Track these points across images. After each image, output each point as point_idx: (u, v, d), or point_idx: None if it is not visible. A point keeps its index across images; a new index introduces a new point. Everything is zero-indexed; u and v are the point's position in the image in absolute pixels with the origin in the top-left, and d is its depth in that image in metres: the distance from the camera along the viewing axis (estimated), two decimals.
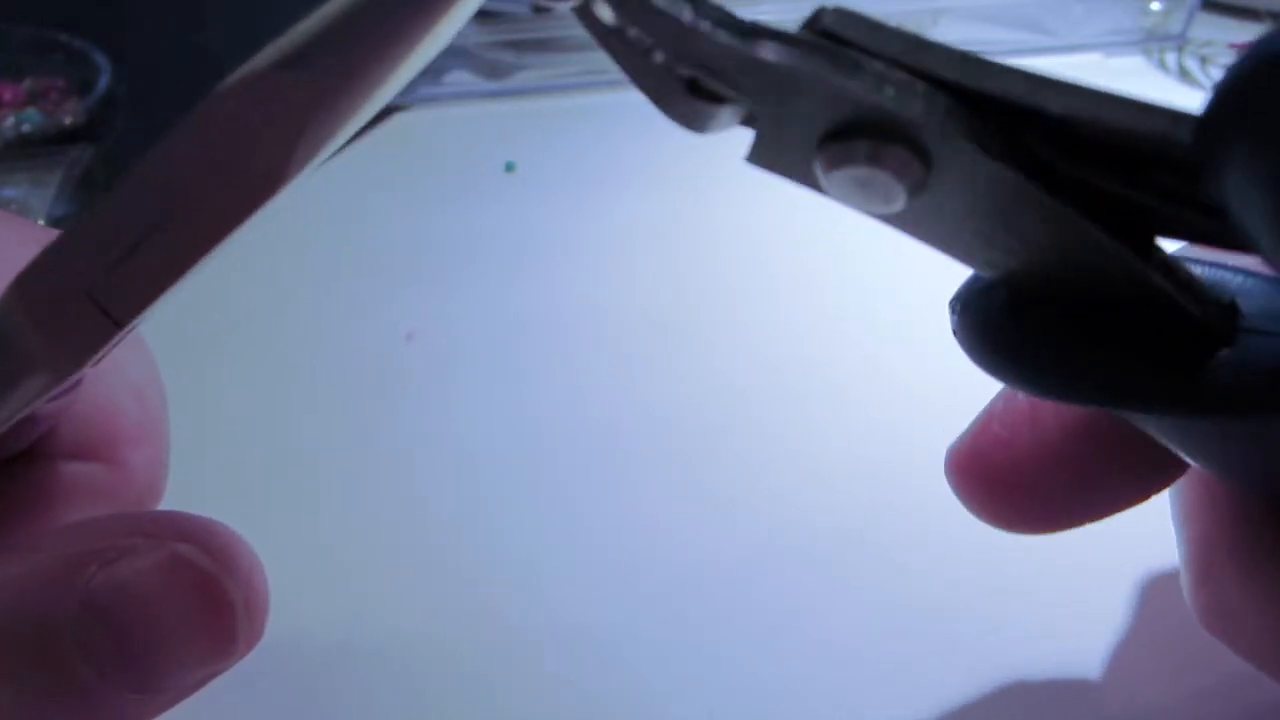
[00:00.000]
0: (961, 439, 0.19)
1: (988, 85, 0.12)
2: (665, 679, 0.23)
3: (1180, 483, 0.19)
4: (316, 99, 0.11)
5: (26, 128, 0.44)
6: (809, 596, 0.24)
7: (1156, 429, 0.15)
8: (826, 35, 0.12)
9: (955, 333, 0.16)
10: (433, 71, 0.49)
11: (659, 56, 0.12)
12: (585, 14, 0.12)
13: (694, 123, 0.13)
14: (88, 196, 0.42)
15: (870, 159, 0.12)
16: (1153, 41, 0.48)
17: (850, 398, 0.30)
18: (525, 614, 0.24)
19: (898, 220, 0.14)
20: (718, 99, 0.13)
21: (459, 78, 0.49)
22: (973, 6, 0.48)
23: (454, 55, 0.49)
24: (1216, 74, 0.45)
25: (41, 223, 0.40)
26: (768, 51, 0.12)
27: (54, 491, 0.17)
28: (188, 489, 0.28)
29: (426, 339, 0.33)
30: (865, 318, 0.33)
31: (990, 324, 0.15)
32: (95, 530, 0.15)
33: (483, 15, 0.51)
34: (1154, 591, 0.24)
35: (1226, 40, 0.47)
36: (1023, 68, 0.13)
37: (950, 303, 0.16)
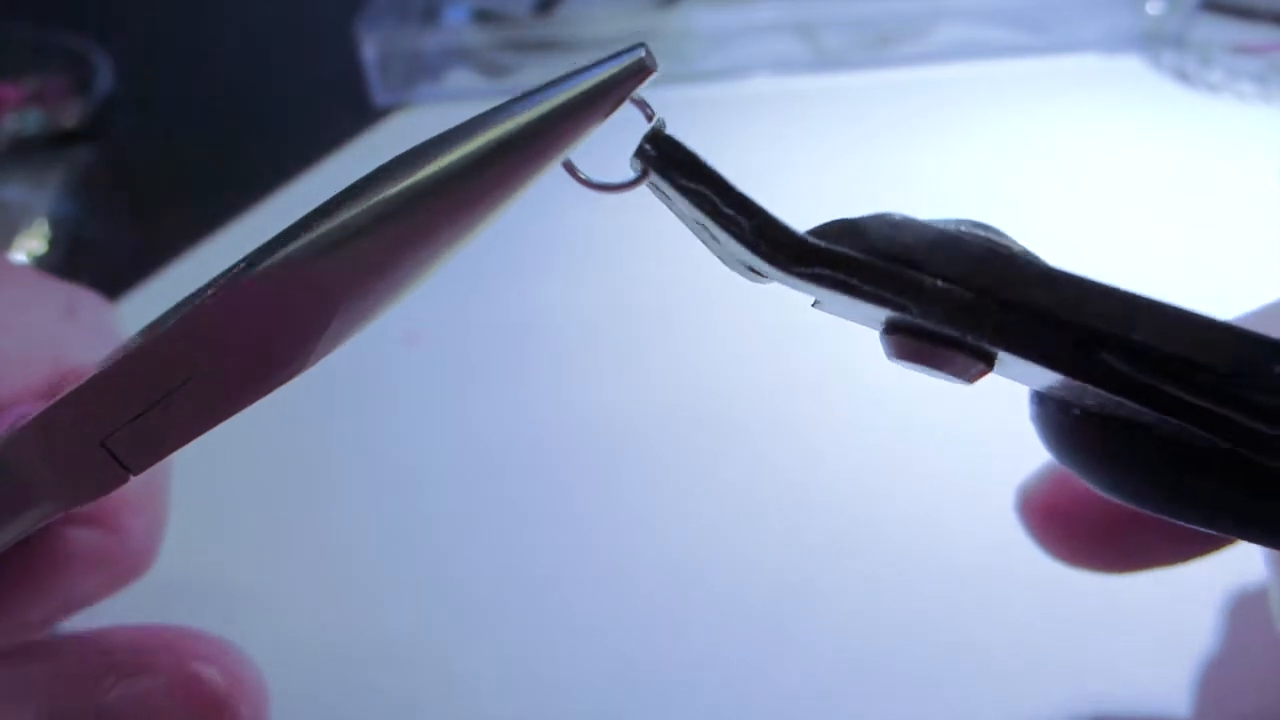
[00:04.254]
0: (1036, 482, 0.19)
1: (1061, 310, 0.12)
2: (665, 678, 0.23)
3: None
4: (345, 290, 0.12)
5: (27, 128, 0.44)
6: (807, 598, 0.24)
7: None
8: (883, 253, 0.13)
9: (1032, 420, 0.15)
10: (433, 71, 0.49)
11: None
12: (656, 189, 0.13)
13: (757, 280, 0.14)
14: (88, 196, 0.42)
15: (931, 362, 0.13)
16: (1151, 42, 0.48)
17: (853, 398, 0.30)
18: (525, 615, 0.24)
19: None
20: None
21: (459, 78, 0.49)
22: (971, 7, 0.48)
23: (454, 55, 0.49)
24: (1216, 75, 0.45)
25: (43, 221, 0.40)
26: (820, 280, 0.13)
27: (56, 556, 0.17)
28: (187, 492, 0.28)
29: (427, 341, 0.33)
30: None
31: (1066, 434, 0.15)
32: (115, 641, 0.16)
33: (482, 15, 0.51)
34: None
35: (1226, 41, 0.47)
36: (1105, 282, 0.12)
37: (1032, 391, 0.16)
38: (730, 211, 0.13)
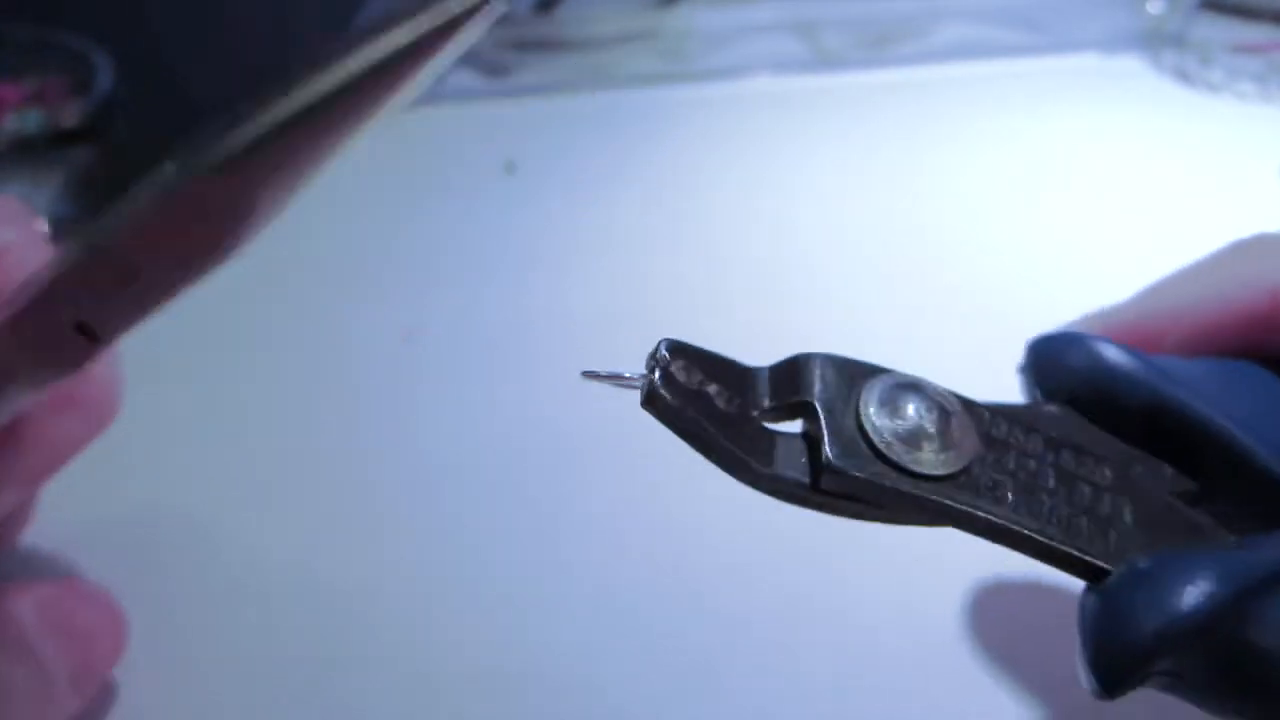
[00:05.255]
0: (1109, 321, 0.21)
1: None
2: (672, 680, 0.23)
3: None
4: (263, 185, 0.14)
5: (27, 128, 0.44)
6: (818, 597, 0.24)
7: None
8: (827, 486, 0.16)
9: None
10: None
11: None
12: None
13: None
14: (88, 196, 0.42)
15: None
16: (1151, 42, 0.48)
17: None
18: (529, 609, 0.24)
19: None
20: None
21: (459, 77, 0.49)
22: (971, 7, 0.49)
23: None
24: (1216, 75, 0.45)
25: (43, 220, 0.40)
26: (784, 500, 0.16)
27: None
28: (188, 486, 0.28)
29: (424, 339, 0.33)
30: (870, 312, 0.33)
31: None
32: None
33: None
34: None
35: (1226, 41, 0.47)
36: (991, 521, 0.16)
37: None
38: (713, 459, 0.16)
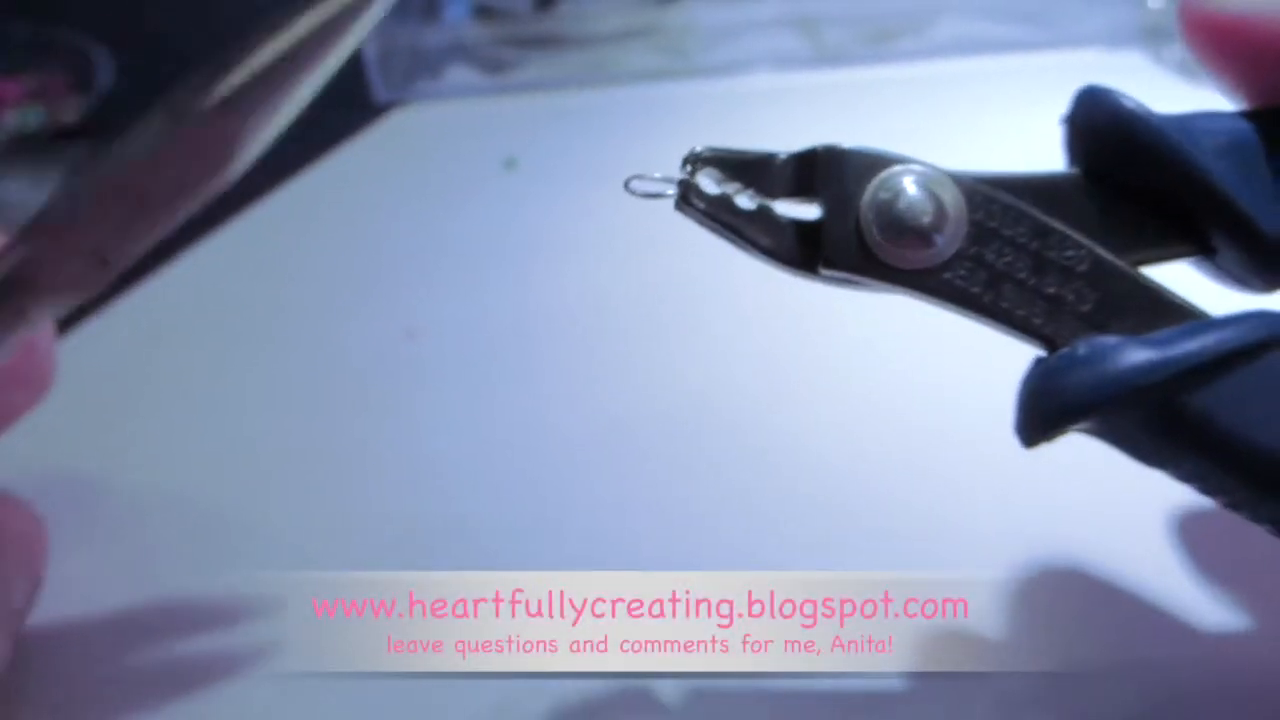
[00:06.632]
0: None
1: None
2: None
3: None
4: (251, 120, 0.17)
5: (28, 124, 0.44)
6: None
7: None
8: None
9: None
10: (433, 68, 0.49)
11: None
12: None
13: None
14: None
15: None
16: (1153, 37, 0.48)
17: (859, 395, 0.30)
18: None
19: None
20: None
21: (459, 74, 0.49)
22: (972, 2, 0.48)
23: (454, 51, 0.49)
24: None
25: None
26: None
27: None
28: (189, 486, 0.29)
29: (427, 337, 0.33)
30: (874, 308, 0.33)
31: None
32: None
33: (482, 11, 0.51)
34: None
35: None
36: None
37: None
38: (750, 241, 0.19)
